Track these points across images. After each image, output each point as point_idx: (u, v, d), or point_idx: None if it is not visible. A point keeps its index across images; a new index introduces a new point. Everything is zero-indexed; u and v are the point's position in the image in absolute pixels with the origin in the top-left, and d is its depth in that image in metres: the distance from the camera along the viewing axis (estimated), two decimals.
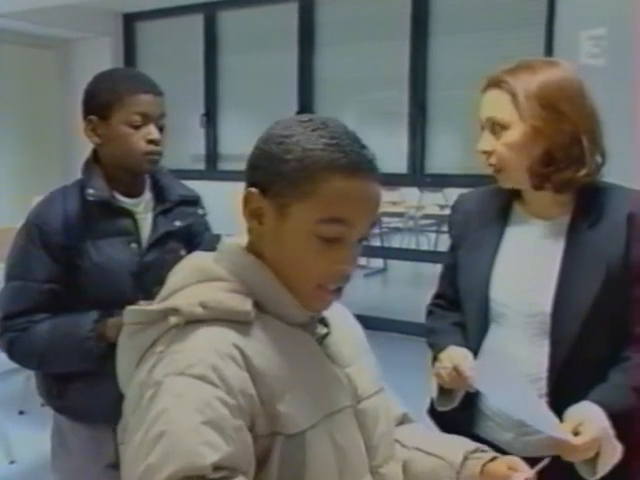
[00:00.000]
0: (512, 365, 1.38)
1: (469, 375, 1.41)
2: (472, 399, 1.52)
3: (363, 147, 1.01)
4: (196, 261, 1.07)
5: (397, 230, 8.00)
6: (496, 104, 1.45)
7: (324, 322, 1.11)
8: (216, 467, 0.86)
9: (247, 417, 0.92)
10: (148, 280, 1.63)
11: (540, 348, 1.45)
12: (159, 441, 0.87)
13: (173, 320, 0.97)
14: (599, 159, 1.46)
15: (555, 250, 1.47)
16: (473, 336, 1.53)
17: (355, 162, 0.98)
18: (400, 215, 7.79)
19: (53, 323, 1.67)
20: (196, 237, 1.85)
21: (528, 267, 1.49)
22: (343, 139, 0.99)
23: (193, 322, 0.97)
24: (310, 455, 0.97)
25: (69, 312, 1.67)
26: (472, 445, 1.18)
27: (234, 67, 6.05)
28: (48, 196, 1.76)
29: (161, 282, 1.08)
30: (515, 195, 1.55)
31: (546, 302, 1.44)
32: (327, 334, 1.10)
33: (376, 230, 6.69)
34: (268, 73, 5.85)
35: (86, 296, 1.68)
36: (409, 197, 7.61)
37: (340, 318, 1.16)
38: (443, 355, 1.49)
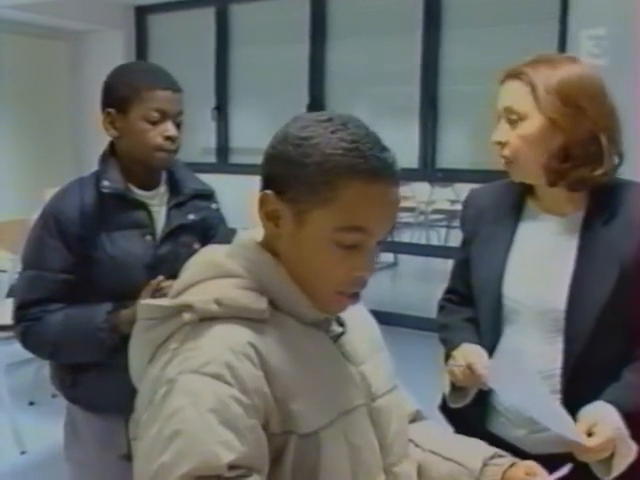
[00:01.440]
0: (527, 363, 1.37)
1: (483, 373, 1.40)
2: (484, 395, 1.51)
3: (383, 150, 0.98)
4: (209, 256, 1.06)
5: (408, 225, 7.97)
6: (515, 94, 1.44)
7: (339, 321, 1.10)
8: (231, 466, 0.86)
9: (261, 416, 0.92)
10: (162, 273, 1.63)
11: (553, 345, 1.44)
12: (174, 440, 0.87)
13: (187, 317, 0.96)
14: (616, 159, 1.44)
15: (569, 247, 1.45)
16: (486, 332, 1.52)
17: (375, 167, 0.96)
18: (411, 210, 7.75)
19: (66, 313, 1.68)
20: (210, 230, 1.85)
21: (541, 264, 1.48)
22: (364, 142, 0.96)
23: (207, 319, 0.96)
24: (324, 454, 0.96)
25: (83, 303, 1.68)
26: (490, 450, 1.17)
27: (245, 60, 6.04)
28: (65, 187, 1.76)
29: (175, 275, 1.08)
30: (528, 190, 1.54)
31: (560, 299, 1.43)
32: (342, 333, 1.09)
33: None
34: (279, 66, 5.84)
35: (100, 288, 1.69)
36: (420, 192, 7.59)
37: (356, 316, 1.15)
38: (457, 353, 1.48)
